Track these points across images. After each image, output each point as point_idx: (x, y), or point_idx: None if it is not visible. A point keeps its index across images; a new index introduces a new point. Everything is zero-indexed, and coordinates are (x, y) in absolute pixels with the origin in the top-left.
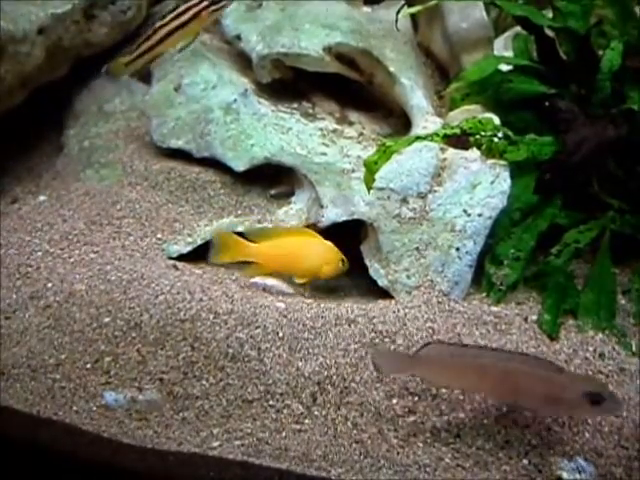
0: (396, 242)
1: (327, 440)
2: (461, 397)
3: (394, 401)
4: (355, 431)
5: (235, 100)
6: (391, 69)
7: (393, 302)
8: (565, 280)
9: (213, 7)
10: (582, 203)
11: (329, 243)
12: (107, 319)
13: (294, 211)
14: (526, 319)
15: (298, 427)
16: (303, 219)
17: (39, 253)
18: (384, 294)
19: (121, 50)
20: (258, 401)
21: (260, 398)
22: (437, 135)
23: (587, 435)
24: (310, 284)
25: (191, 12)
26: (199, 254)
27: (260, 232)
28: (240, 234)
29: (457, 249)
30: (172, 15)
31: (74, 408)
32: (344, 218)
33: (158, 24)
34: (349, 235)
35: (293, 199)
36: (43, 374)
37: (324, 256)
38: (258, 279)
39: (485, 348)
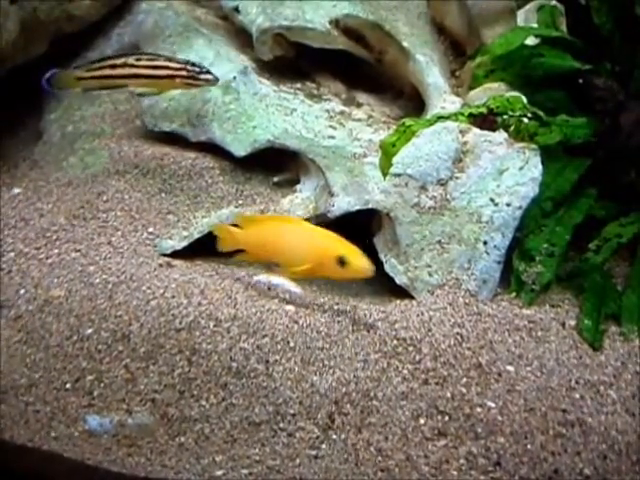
0: (415, 234)
1: (348, 468)
2: (499, 418)
3: (421, 421)
4: (380, 458)
5: (234, 78)
6: (404, 44)
7: (415, 303)
8: (603, 280)
9: (190, 81)
10: (617, 193)
11: (331, 234)
12: (89, 330)
13: (300, 200)
14: (564, 324)
15: (314, 453)
16: (310, 209)
17: (11, 254)
18: (402, 293)
19: (104, 28)
20: (267, 423)
21: (269, 420)
22: (462, 115)
23: None
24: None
25: (167, 72)
26: (196, 250)
27: (251, 219)
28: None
29: (484, 243)
30: (147, 62)
31: (52, 434)
32: (357, 207)
33: (130, 59)
34: (359, 226)
35: (299, 187)
36: (14, 396)
37: (319, 247)
38: (262, 277)
39: None
